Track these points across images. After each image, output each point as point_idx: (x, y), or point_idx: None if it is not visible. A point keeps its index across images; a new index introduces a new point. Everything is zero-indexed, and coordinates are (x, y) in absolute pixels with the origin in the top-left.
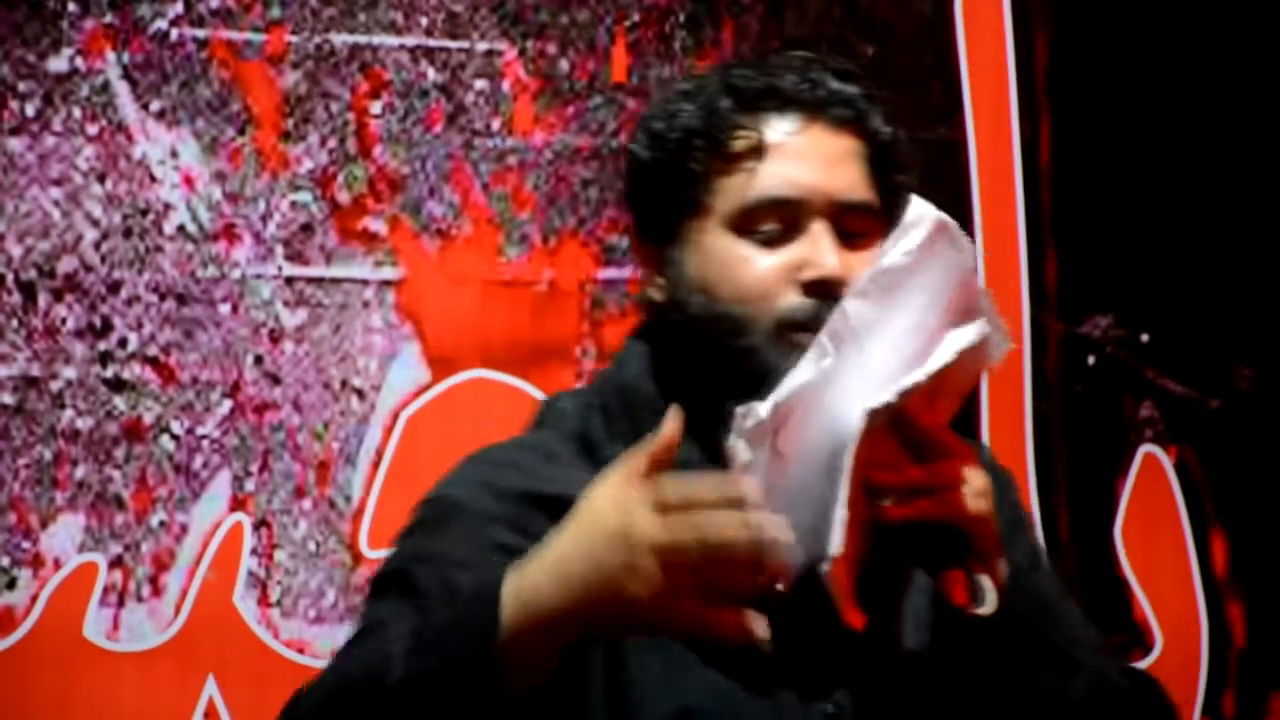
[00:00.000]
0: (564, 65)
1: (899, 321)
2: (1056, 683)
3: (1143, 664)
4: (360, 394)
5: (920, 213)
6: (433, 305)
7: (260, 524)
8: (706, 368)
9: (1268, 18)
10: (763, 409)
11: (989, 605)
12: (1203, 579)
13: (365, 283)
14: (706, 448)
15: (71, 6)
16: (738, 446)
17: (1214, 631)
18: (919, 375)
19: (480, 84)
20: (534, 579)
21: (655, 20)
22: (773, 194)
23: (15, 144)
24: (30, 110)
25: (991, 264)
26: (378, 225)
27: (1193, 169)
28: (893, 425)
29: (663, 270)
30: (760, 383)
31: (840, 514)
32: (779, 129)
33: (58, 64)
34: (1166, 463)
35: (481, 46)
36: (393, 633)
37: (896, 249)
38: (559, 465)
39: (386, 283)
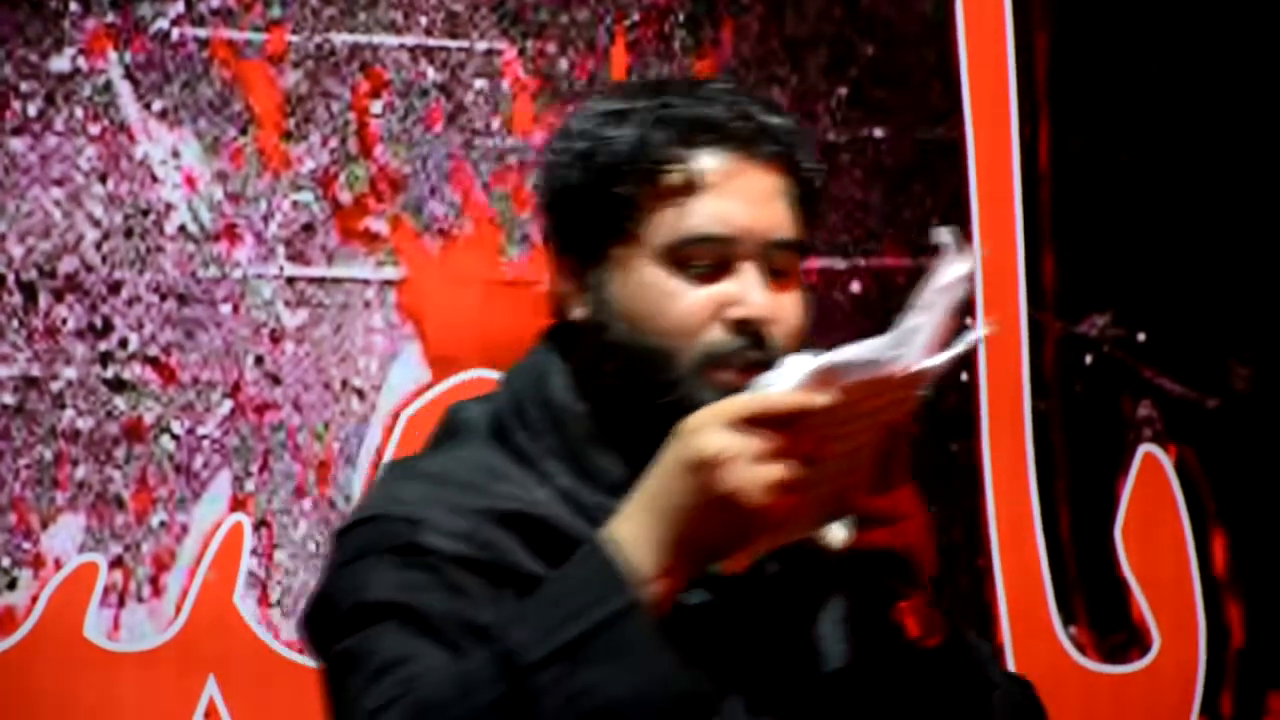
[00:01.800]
0: (564, 65)
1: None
2: (979, 704)
3: (1140, 664)
4: (361, 394)
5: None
6: (434, 305)
7: (260, 524)
8: (628, 395)
9: (1267, 18)
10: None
11: (941, 632)
12: (1202, 579)
13: (366, 283)
14: (632, 468)
15: (73, 6)
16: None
17: (1212, 631)
18: (962, 346)
19: (480, 83)
20: (643, 524)
21: (655, 20)
22: (705, 231)
23: (17, 144)
24: (32, 110)
25: (990, 263)
26: (379, 225)
27: (1191, 168)
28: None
29: (584, 287)
30: (682, 411)
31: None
32: (711, 165)
33: (59, 64)
34: (1166, 462)
35: (481, 46)
36: (436, 660)
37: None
38: (509, 482)
39: (388, 282)
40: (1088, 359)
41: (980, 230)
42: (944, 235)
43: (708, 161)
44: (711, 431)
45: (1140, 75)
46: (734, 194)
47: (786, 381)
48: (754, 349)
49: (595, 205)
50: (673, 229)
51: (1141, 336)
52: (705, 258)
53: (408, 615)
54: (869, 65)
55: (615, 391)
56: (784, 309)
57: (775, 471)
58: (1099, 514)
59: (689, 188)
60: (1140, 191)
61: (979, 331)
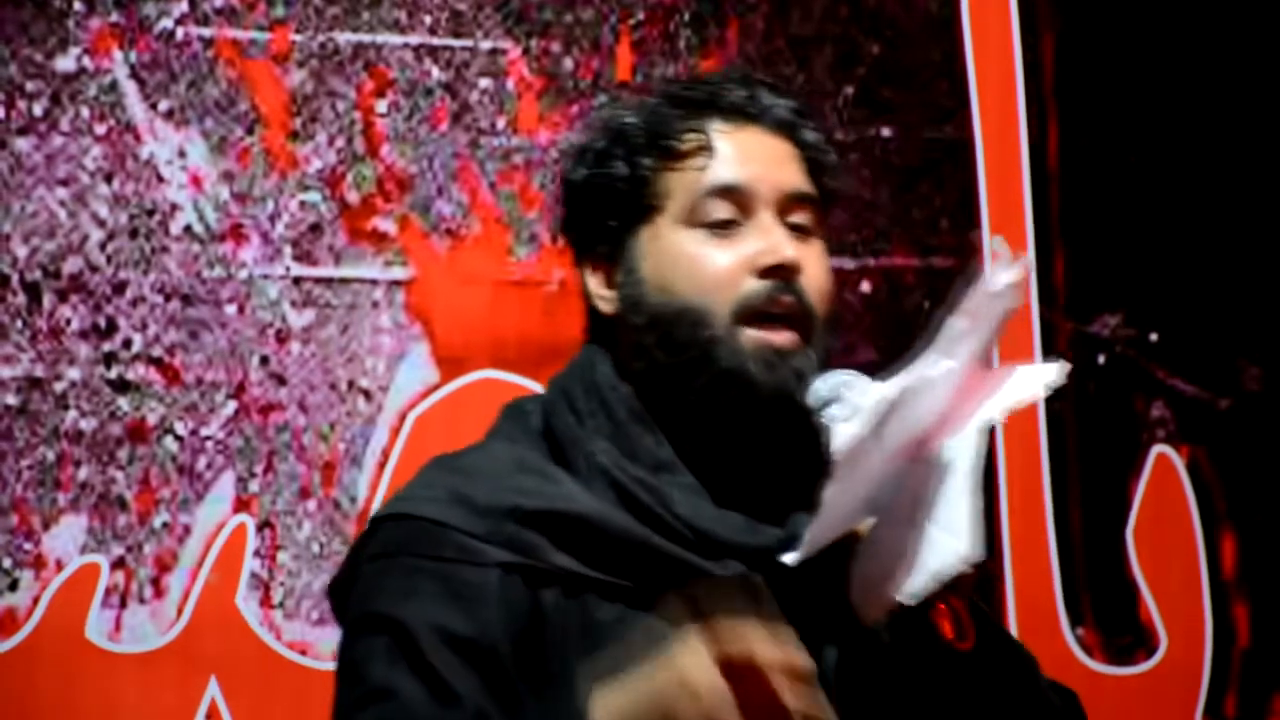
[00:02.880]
0: (568, 64)
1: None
2: (1032, 696)
3: (1147, 664)
4: (367, 395)
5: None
6: (442, 305)
7: (264, 525)
8: (670, 364)
9: (1273, 17)
10: (874, 392)
11: (971, 641)
12: (1210, 579)
13: (374, 283)
14: (677, 447)
15: (78, 5)
16: (836, 421)
17: (1219, 631)
18: (1023, 394)
19: (485, 82)
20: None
21: (660, 18)
22: (724, 181)
23: (23, 144)
24: (37, 110)
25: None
26: (387, 225)
27: (1201, 168)
28: None
29: (613, 283)
30: (722, 373)
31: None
32: (723, 129)
33: (65, 63)
34: (1179, 463)
35: (485, 45)
36: (413, 698)
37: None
38: (540, 476)
39: (396, 283)
40: (1100, 359)
41: (990, 230)
42: (996, 243)
43: (720, 127)
44: (699, 669)
45: (1148, 74)
46: (747, 151)
47: (854, 421)
48: (786, 293)
49: (616, 192)
50: (691, 190)
51: (1153, 337)
52: (725, 210)
53: (401, 637)
54: (875, 64)
55: (657, 371)
56: (810, 260)
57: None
58: (1111, 514)
59: (704, 151)
60: (1150, 191)
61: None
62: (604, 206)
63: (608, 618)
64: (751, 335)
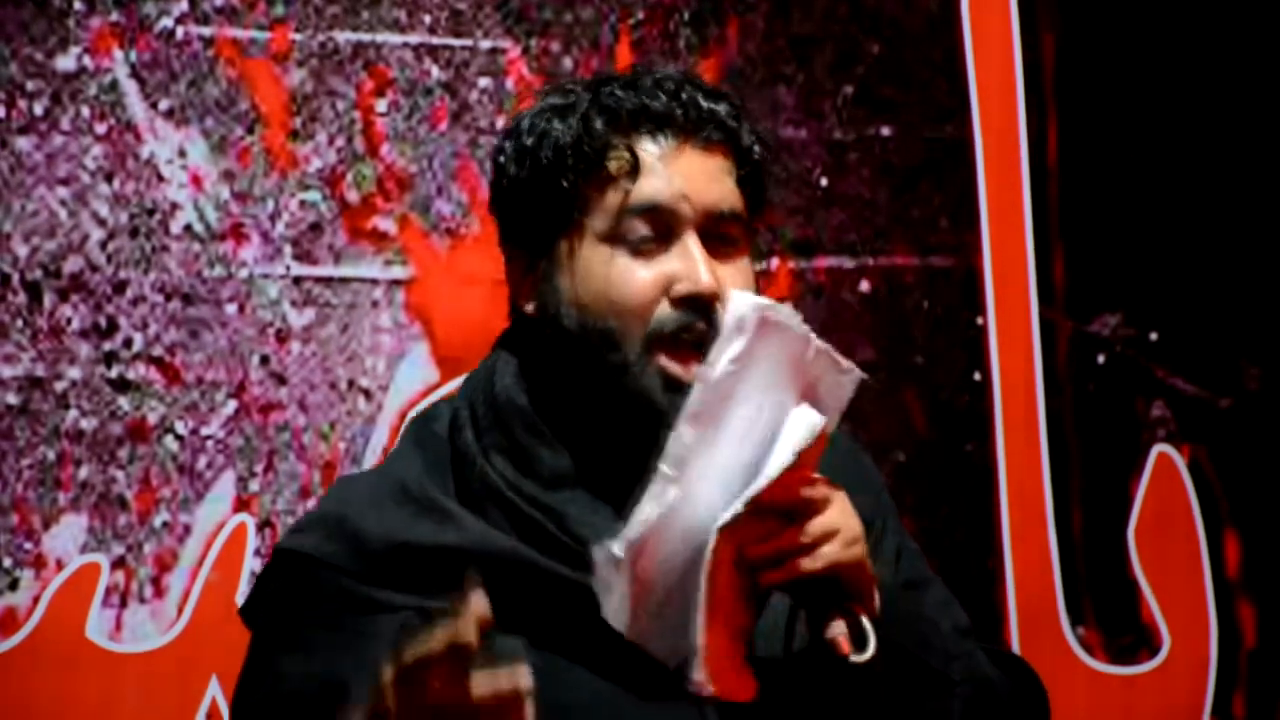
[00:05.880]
0: (568, 63)
1: (737, 428)
2: (937, 707)
3: (1150, 665)
4: (368, 394)
5: (740, 314)
6: (442, 305)
7: (264, 525)
8: (579, 384)
9: (1273, 17)
10: (617, 548)
11: (870, 649)
12: (1214, 579)
13: (374, 282)
14: (577, 459)
15: (78, 4)
16: (598, 583)
17: (1225, 632)
18: (760, 484)
19: (484, 82)
20: None
21: (659, 18)
22: (647, 201)
23: (23, 143)
24: (38, 109)
25: (999, 262)
26: (387, 224)
27: (1201, 167)
28: (754, 512)
29: (535, 282)
30: (630, 399)
31: (699, 622)
32: (651, 149)
33: (65, 63)
34: (1180, 463)
35: (485, 44)
36: None
37: (722, 358)
38: (420, 507)
39: (396, 282)
40: (1100, 359)
41: (990, 229)
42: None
43: (648, 146)
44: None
45: (1148, 74)
46: (674, 171)
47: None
48: (701, 320)
49: (541, 197)
50: (614, 208)
51: (1154, 336)
52: (647, 229)
53: (278, 690)
54: (875, 64)
55: (560, 383)
56: (732, 280)
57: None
58: (1112, 514)
59: (630, 171)
60: (1150, 191)
61: (800, 434)
62: (529, 208)
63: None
64: (662, 363)
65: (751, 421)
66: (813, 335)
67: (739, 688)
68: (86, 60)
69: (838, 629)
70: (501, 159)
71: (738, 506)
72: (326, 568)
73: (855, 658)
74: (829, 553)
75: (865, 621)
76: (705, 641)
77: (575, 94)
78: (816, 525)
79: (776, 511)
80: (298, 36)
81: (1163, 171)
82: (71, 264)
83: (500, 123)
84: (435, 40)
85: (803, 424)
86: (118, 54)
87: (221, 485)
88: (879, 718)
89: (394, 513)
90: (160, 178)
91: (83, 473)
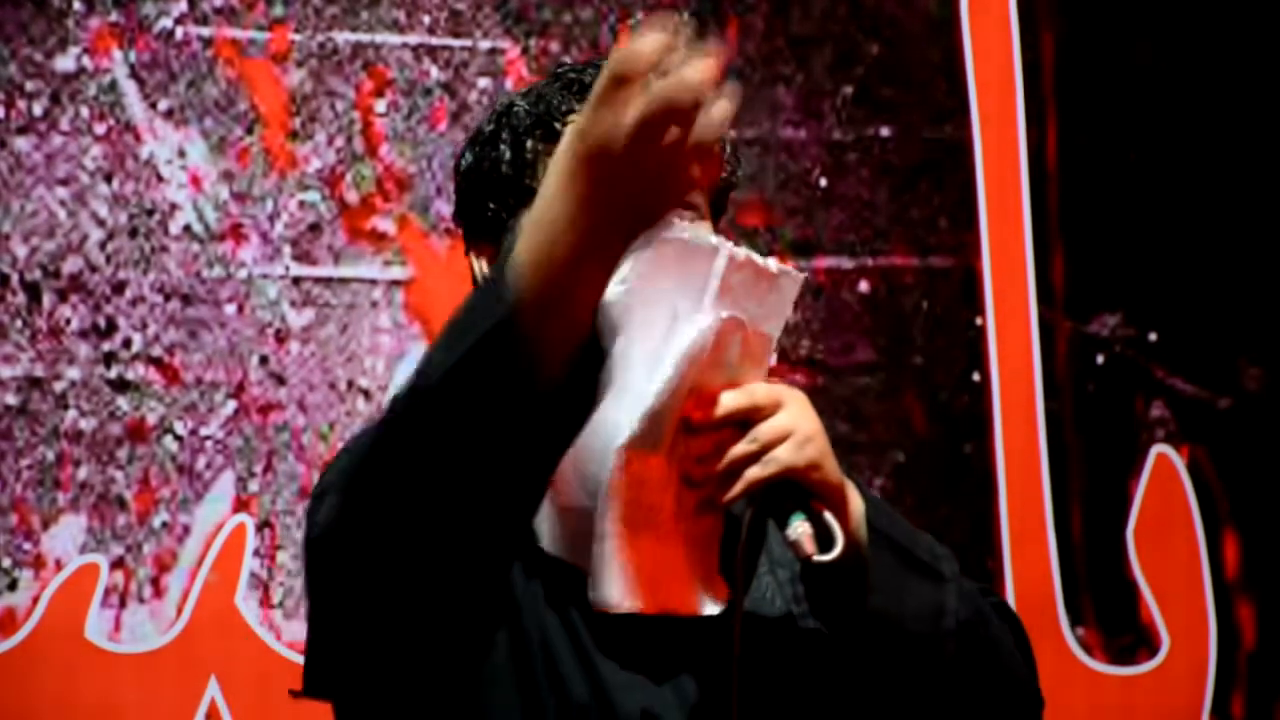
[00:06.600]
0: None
1: (646, 348)
2: (930, 595)
3: (1149, 665)
4: (367, 394)
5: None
6: (442, 305)
7: (264, 525)
8: None
9: (1273, 17)
10: None
11: (837, 546)
12: (1213, 580)
13: (374, 282)
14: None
15: (77, 5)
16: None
17: (1224, 633)
18: (650, 402)
19: (483, 82)
20: (527, 234)
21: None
22: None
23: (22, 143)
24: (37, 109)
25: (998, 263)
26: (386, 225)
27: (1200, 168)
28: (687, 429)
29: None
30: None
31: (611, 543)
32: None
33: (64, 63)
34: (1179, 463)
35: (484, 45)
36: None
37: (614, 280)
38: None
39: (395, 282)
40: (1099, 359)
41: (989, 230)
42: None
43: None
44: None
45: (1148, 74)
46: None
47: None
48: None
49: (505, 176)
50: None
51: (1153, 336)
52: None
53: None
54: (875, 64)
55: None
56: None
57: (632, 108)
58: (1111, 514)
59: None
60: (1149, 190)
61: (689, 340)
62: (488, 190)
63: None
64: None
65: (660, 340)
66: (726, 245)
67: (691, 600)
68: (86, 60)
69: (799, 529)
70: (463, 161)
71: (635, 426)
72: None
73: (819, 557)
74: (782, 456)
75: (829, 518)
76: (626, 559)
77: (533, 85)
78: (764, 431)
79: (722, 425)
80: (297, 37)
81: (1162, 172)
82: (71, 264)
83: None
84: (434, 41)
85: (689, 334)
86: (117, 54)
87: (221, 485)
88: (867, 616)
89: None
90: (159, 178)
91: (82, 473)
